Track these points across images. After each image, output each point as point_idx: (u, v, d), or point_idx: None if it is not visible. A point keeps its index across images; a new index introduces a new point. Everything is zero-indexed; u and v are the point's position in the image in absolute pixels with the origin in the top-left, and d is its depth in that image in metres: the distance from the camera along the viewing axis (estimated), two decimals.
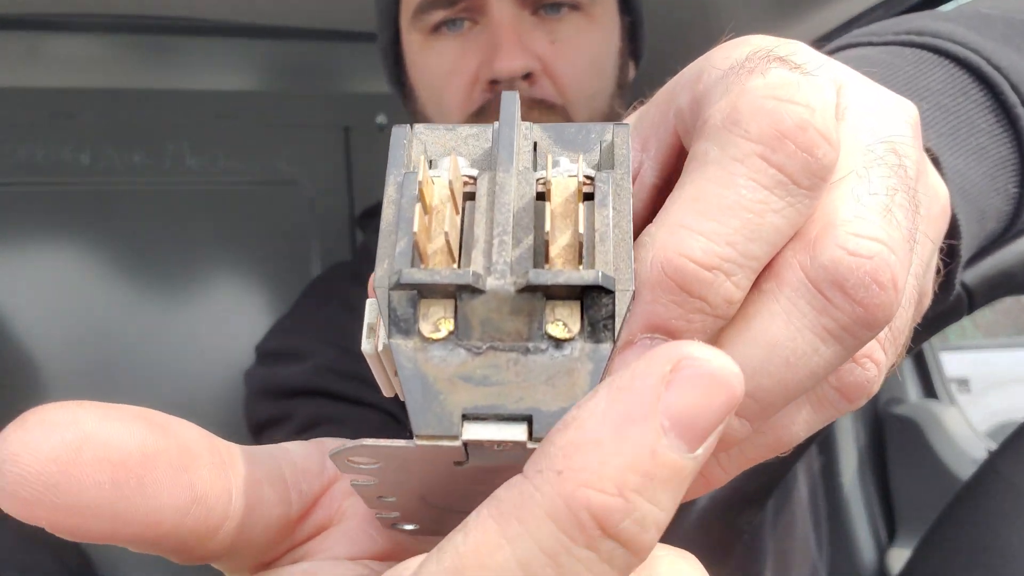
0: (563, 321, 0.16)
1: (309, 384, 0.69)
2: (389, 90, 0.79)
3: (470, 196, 0.18)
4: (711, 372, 0.14)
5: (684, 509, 0.54)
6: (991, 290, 0.34)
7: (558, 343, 0.16)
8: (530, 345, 0.16)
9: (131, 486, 0.16)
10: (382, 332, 0.18)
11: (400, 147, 0.18)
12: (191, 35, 1.01)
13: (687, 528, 0.47)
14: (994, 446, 0.91)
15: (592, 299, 0.16)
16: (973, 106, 0.31)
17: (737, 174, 0.17)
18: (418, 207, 0.16)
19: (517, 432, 0.16)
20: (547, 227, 0.16)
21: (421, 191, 0.17)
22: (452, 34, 0.66)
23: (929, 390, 1.09)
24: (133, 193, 0.99)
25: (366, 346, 0.19)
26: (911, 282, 0.21)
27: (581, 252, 0.17)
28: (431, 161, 0.19)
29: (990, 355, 1.99)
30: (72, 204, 0.97)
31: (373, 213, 0.90)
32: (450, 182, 0.17)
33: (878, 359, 0.20)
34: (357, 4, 0.94)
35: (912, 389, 1.09)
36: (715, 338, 0.18)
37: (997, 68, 0.31)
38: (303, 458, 0.20)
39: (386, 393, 0.21)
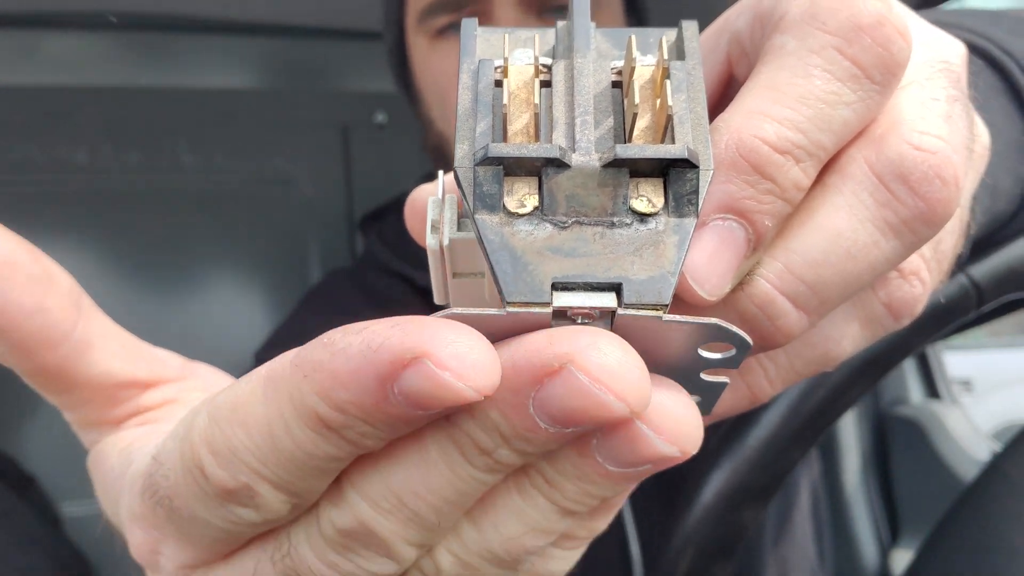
0: (647, 196, 0.17)
1: None
2: (391, 89, 0.78)
3: (545, 84, 0.18)
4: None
5: (688, 501, 0.54)
6: (999, 286, 0.34)
7: (642, 217, 0.17)
8: (615, 219, 0.17)
9: None
10: (446, 228, 0.19)
11: (471, 38, 0.19)
12: (188, 32, 1.01)
13: (691, 522, 0.47)
14: (998, 447, 0.90)
15: (676, 174, 0.17)
16: (985, 87, 0.32)
17: (813, 65, 0.18)
18: (505, 85, 0.17)
19: (607, 299, 0.16)
20: (636, 100, 0.17)
21: (505, 71, 0.18)
22: (458, 37, 0.65)
23: (932, 390, 1.09)
24: (130, 192, 0.99)
25: (431, 241, 0.20)
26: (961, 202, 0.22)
27: (662, 134, 0.17)
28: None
29: (994, 355, 1.98)
30: (68, 203, 0.96)
31: (375, 217, 0.88)
32: (535, 59, 0.18)
33: (924, 278, 0.21)
34: (355, 2, 0.94)
35: (915, 390, 1.08)
36: (780, 229, 0.18)
37: (1008, 53, 0.32)
38: (167, 356, 0.24)
39: (437, 299, 0.21)
